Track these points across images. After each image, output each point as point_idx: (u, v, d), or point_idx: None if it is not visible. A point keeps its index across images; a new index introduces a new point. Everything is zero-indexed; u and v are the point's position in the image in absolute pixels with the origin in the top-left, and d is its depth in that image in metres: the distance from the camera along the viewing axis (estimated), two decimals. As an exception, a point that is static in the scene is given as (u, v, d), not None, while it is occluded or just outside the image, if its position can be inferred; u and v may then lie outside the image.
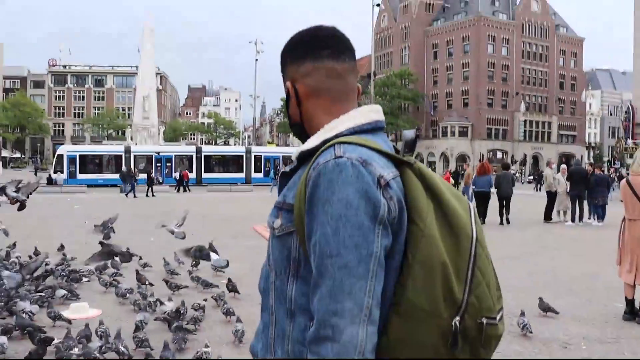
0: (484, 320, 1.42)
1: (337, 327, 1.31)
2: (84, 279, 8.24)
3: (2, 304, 6.55)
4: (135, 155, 44.93)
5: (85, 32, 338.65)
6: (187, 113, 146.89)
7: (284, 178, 1.59)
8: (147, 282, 7.74)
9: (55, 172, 42.10)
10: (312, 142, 1.52)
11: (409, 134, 1.67)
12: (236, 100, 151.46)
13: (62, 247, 10.30)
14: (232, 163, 48.28)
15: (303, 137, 1.62)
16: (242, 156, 48.26)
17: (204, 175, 45.81)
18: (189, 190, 37.60)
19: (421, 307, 1.38)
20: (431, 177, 1.46)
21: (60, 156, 43.33)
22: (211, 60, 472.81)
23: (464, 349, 1.41)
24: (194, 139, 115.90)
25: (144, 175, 34.72)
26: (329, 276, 1.33)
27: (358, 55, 1.65)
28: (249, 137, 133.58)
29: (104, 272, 8.45)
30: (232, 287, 7.49)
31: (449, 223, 1.42)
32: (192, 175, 43.60)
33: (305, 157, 1.52)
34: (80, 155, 43.87)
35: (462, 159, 75.06)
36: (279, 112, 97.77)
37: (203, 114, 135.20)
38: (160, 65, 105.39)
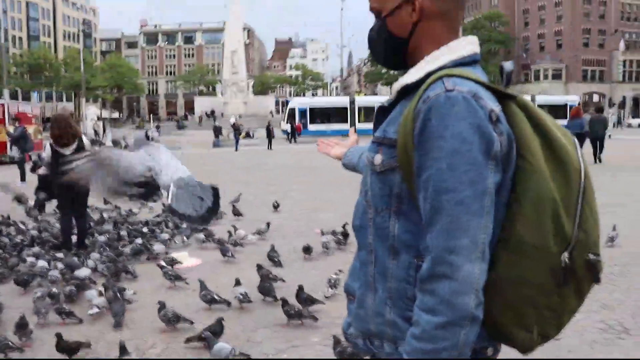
0: (591, 256, 1.38)
1: (454, 265, 1.27)
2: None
3: None
4: (359, 107, 45.81)
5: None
6: (274, 66, 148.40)
7: (382, 113, 1.52)
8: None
9: (286, 123, 43.15)
10: (415, 74, 1.45)
11: (509, 65, 1.60)
12: (323, 51, 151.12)
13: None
14: None
15: (396, 59, 1.53)
16: None
17: None
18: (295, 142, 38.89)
19: (531, 243, 1.33)
20: (535, 111, 1.41)
21: (292, 109, 45.17)
22: (297, 11, 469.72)
23: (570, 285, 1.38)
24: (282, 91, 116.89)
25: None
26: (445, 213, 1.29)
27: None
28: (336, 88, 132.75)
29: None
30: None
31: (557, 157, 1.37)
32: None
33: (406, 91, 1.46)
34: (310, 108, 45.48)
35: (557, 103, 71.58)
36: (366, 61, 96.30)
37: (290, 66, 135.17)
38: (247, 19, 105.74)
